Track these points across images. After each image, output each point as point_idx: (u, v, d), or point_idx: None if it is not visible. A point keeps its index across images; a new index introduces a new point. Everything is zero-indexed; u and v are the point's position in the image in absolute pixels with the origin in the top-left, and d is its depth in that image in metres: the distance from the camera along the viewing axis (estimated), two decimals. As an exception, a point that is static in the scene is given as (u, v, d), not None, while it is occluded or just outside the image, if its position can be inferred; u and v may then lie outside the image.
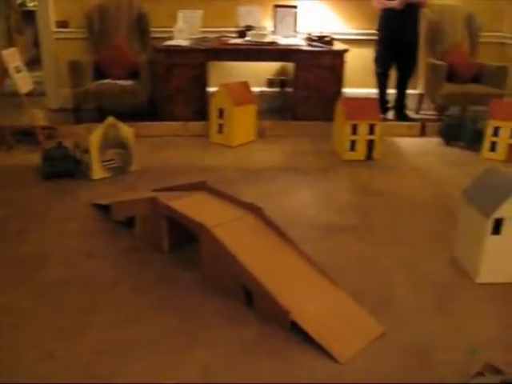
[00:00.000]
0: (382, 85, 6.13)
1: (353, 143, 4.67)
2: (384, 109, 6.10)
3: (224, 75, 6.17)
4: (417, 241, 3.42)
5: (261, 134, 5.34)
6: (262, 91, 6.47)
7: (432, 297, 2.85)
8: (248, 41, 5.79)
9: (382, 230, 3.54)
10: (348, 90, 6.10)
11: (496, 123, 4.83)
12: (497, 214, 2.79)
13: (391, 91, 6.18)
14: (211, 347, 2.39)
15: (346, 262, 3.12)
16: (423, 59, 6.20)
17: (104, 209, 3.56)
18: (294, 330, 2.44)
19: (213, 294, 2.76)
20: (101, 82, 5.65)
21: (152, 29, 6.07)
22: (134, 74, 5.69)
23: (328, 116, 5.20)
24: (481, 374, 2.12)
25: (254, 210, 2.96)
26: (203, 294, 2.77)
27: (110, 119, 4.15)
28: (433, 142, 5.40)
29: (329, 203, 3.90)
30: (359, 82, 6.48)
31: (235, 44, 5.75)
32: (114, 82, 5.64)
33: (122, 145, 4.21)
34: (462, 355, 2.40)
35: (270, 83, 6.55)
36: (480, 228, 2.89)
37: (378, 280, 2.97)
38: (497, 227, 2.84)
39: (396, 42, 5.82)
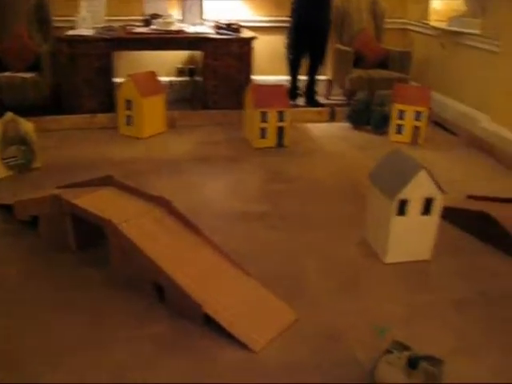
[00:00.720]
0: (294, 71, 6.18)
1: (263, 131, 4.67)
2: (294, 95, 6.16)
3: (132, 65, 6.00)
4: (328, 225, 3.47)
5: (171, 125, 5.24)
6: (171, 81, 6.37)
7: (343, 280, 2.90)
8: (154, 29, 5.66)
9: (294, 216, 3.57)
10: (258, 78, 6.11)
11: (401, 107, 4.98)
12: (401, 196, 2.87)
13: (301, 77, 6.24)
14: (124, 346, 2.32)
15: (257, 250, 3.12)
16: (331, 45, 6.30)
17: (7, 209, 3.37)
18: (208, 323, 2.42)
19: (123, 292, 2.68)
20: (-1, 74, 5.37)
21: (54, 18, 5.81)
22: (36, 66, 5.43)
23: (238, 104, 5.19)
24: (389, 351, 2.17)
25: (163, 203, 2.89)
26: (113, 292, 2.68)
27: (9, 114, 3.93)
28: (342, 127, 5.50)
29: (240, 192, 3.89)
30: (269, 69, 6.51)
31: (141, 33, 5.61)
32: (13, 74, 5.37)
33: (23, 141, 4.01)
34: (372, 334, 2.46)
35: (180, 72, 6.46)
36: (386, 209, 2.97)
37: (290, 266, 2.98)
38: (401, 208, 2.92)
39: (309, 28, 5.87)
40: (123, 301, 2.62)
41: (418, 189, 2.88)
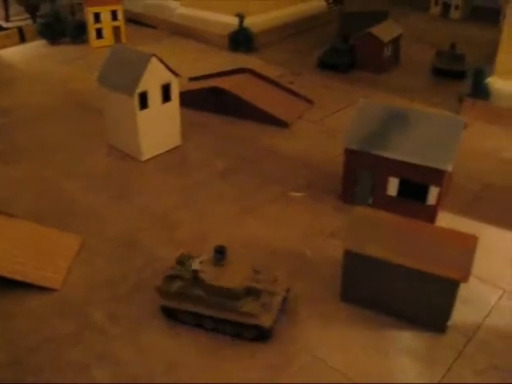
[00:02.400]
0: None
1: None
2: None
3: None
4: (69, 144, 3.25)
5: None
6: None
7: (111, 190, 2.80)
8: None
9: (29, 145, 3.24)
10: None
11: (95, 9, 4.74)
12: (139, 89, 2.80)
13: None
14: None
15: (8, 190, 2.80)
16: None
17: None
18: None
19: None
20: None
21: None
22: None
23: None
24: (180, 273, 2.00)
25: None
26: None
27: None
28: (38, 45, 5.05)
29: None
30: None
31: None
32: None
33: None
34: (164, 229, 2.48)
35: None
36: (127, 108, 2.88)
37: (52, 195, 2.76)
38: (143, 101, 2.86)
39: None
40: None
41: (154, 77, 2.84)
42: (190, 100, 3.51)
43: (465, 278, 1.82)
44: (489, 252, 2.28)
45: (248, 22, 4.76)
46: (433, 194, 2.43)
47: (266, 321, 1.87)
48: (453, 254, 1.86)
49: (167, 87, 2.95)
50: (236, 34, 4.79)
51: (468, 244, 1.89)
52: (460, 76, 4.15)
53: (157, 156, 3.06)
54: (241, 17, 4.69)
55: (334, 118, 3.54)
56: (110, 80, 2.95)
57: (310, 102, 3.74)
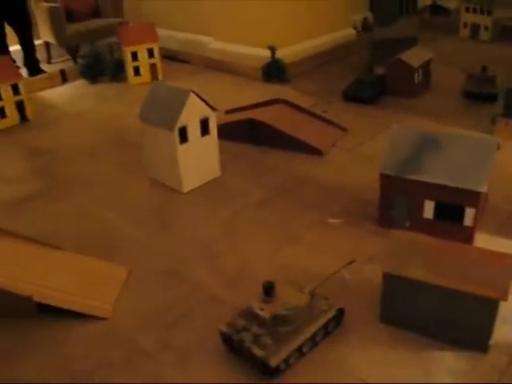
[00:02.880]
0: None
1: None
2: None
3: None
4: (111, 179, 3.41)
5: None
6: None
7: (154, 221, 2.93)
8: None
9: (72, 182, 3.41)
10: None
11: (132, 48, 4.96)
12: (179, 124, 2.94)
13: (14, 48, 5.74)
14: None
15: (55, 224, 2.96)
16: (36, 6, 5.87)
17: None
18: (45, 312, 2.25)
19: None
20: None
21: None
22: None
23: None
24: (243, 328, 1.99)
25: None
26: None
27: None
28: (79, 86, 5.29)
29: (5, 177, 3.55)
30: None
31: None
32: None
33: None
34: (206, 257, 2.58)
35: None
36: (168, 142, 3.01)
37: (96, 227, 2.91)
38: (183, 136, 2.99)
39: None
40: None
41: (193, 112, 2.98)
42: (227, 132, 3.62)
43: (504, 297, 1.85)
44: (527, 271, 2.29)
45: (280, 53, 4.89)
46: (469, 215, 2.48)
47: (337, 304, 2.06)
48: (491, 274, 1.90)
49: (205, 121, 3.07)
50: (269, 65, 4.93)
51: (506, 263, 1.93)
52: (492, 98, 4.17)
53: (197, 188, 3.18)
54: (272, 49, 4.83)
55: (367, 145, 3.61)
56: (150, 116, 3.09)
57: (343, 129, 3.82)
